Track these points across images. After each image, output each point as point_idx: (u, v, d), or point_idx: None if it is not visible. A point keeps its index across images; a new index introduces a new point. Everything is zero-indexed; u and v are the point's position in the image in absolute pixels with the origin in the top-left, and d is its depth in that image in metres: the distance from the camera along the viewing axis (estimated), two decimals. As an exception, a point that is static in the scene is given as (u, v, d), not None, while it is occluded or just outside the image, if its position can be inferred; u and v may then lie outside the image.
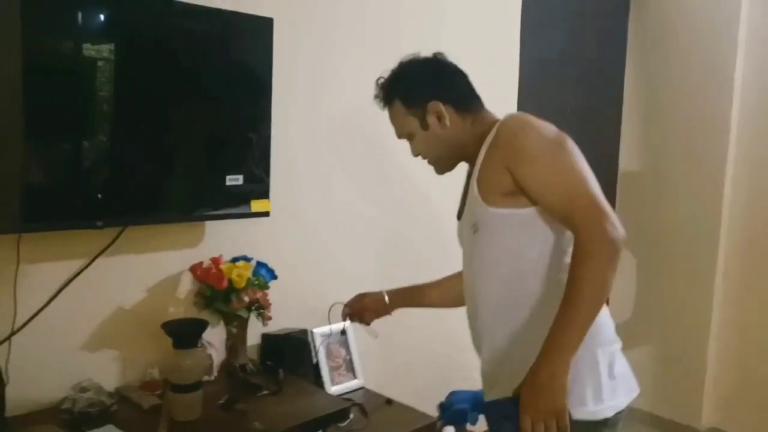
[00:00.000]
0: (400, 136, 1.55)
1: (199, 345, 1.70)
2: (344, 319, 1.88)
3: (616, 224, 1.26)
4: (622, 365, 1.44)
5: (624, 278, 3.65)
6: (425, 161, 1.54)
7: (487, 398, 1.49)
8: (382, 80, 1.53)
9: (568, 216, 1.30)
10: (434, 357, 2.65)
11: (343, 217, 2.36)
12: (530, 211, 1.36)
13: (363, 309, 1.84)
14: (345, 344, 2.29)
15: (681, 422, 3.44)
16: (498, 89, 2.86)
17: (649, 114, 3.54)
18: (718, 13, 3.23)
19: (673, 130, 3.43)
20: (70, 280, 1.72)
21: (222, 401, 1.74)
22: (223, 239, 2.02)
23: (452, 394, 2.59)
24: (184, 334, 1.65)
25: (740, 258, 3.28)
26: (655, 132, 3.52)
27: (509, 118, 1.43)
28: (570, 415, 1.27)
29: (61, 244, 1.70)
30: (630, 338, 3.53)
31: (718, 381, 3.36)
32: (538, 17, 3.05)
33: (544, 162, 1.32)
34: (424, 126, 1.48)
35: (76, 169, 1.65)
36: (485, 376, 1.51)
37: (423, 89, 1.47)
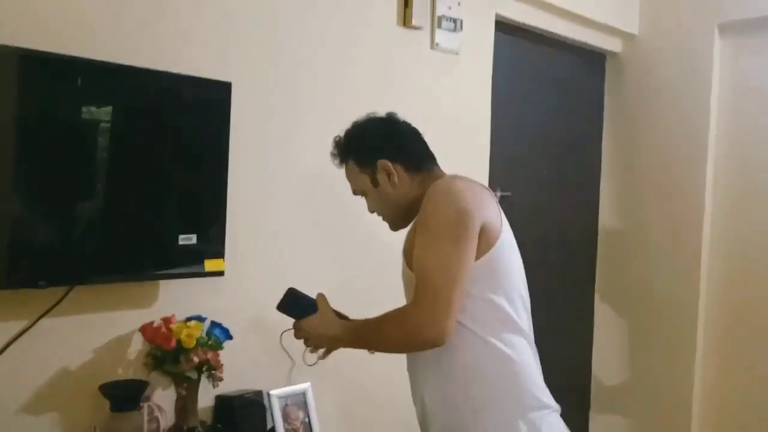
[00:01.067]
0: (355, 192, 1.61)
1: (137, 408, 1.65)
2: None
3: (434, 317, 1.33)
4: None
5: (611, 341, 3.61)
6: (380, 218, 1.59)
7: None
8: (338, 139, 1.60)
9: (416, 288, 1.37)
10: (399, 415, 2.57)
11: (302, 276, 2.33)
12: None
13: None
14: (304, 406, 2.24)
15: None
16: (470, 153, 2.91)
17: (626, 177, 3.58)
18: (691, 81, 3.30)
19: (650, 193, 3.48)
20: (9, 343, 1.69)
21: (163, 468, 1.69)
22: (179, 299, 1.99)
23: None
24: (122, 396, 1.62)
25: (720, 321, 3.27)
26: (633, 194, 3.55)
27: (434, 185, 1.45)
28: None
29: (4, 304, 1.68)
30: (617, 403, 3.53)
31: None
32: (513, 82, 3.10)
33: (426, 235, 1.38)
34: (375, 183, 1.53)
35: (18, 227, 1.64)
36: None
37: (374, 148, 1.53)
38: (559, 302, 3.46)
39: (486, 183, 2.99)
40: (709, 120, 3.24)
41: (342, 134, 1.60)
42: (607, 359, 3.64)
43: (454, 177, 1.50)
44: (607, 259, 3.65)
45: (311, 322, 1.53)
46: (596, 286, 3.68)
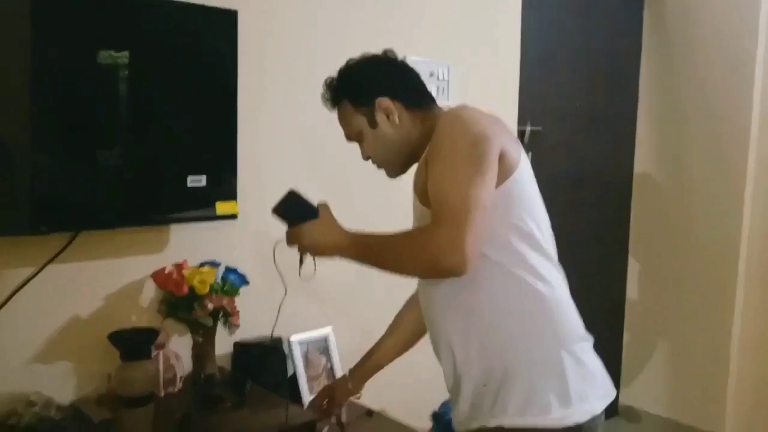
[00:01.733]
0: (349, 138, 1.47)
1: (148, 357, 1.59)
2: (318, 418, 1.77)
3: (459, 238, 1.16)
4: (593, 365, 1.35)
5: (642, 282, 3.48)
6: (375, 165, 1.46)
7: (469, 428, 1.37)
8: (330, 79, 1.46)
9: (433, 211, 1.23)
10: (422, 365, 2.51)
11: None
12: None
13: (331, 401, 1.76)
14: (326, 351, 2.18)
15: (704, 429, 3.25)
16: (498, 86, 2.74)
17: (665, 113, 3.35)
18: (737, 6, 3.04)
19: (691, 129, 3.24)
20: (16, 290, 1.63)
21: (179, 415, 1.64)
22: (191, 244, 1.92)
23: (445, 404, 2.47)
24: (132, 344, 1.55)
25: (762, 262, 3.09)
26: (672, 131, 3.33)
27: (447, 113, 1.34)
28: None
29: (11, 251, 1.62)
30: (650, 344, 3.42)
31: (740, 390, 3.17)
32: (543, 10, 2.89)
33: (442, 162, 1.25)
34: (373, 124, 1.40)
35: (21, 172, 1.56)
36: (456, 394, 1.40)
37: (371, 86, 1.40)
38: (590, 247, 3.33)
39: (515, 117, 2.84)
40: (756, 50, 2.98)
41: (334, 74, 1.47)
42: (641, 308, 3.51)
43: (465, 106, 1.37)
44: (642, 202, 3.47)
45: (310, 227, 1.32)
46: (630, 230, 3.52)
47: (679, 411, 3.36)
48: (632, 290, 3.55)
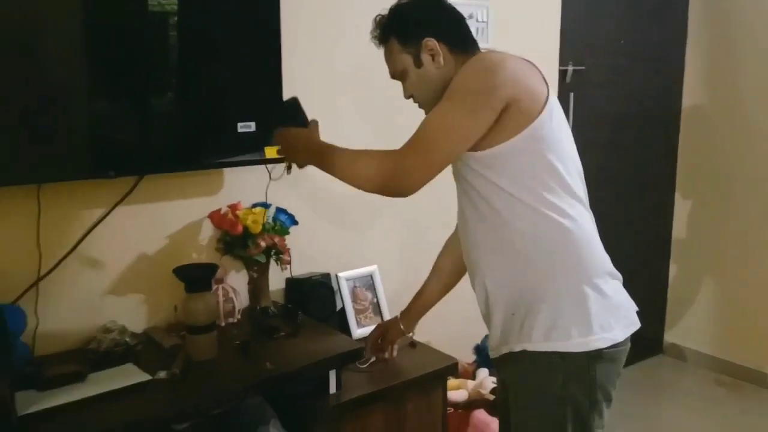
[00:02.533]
0: (393, 75, 1.54)
1: (210, 289, 1.74)
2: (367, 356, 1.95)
3: (413, 175, 1.32)
4: (617, 298, 1.42)
5: (693, 220, 3.47)
6: (416, 104, 1.52)
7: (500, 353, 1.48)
8: (380, 17, 1.52)
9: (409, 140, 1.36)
10: (465, 300, 2.62)
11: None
12: (487, 153, 1.34)
13: (384, 340, 1.91)
14: (372, 287, 2.30)
15: (748, 366, 3.29)
16: (539, 26, 2.73)
17: (716, 44, 3.27)
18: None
19: (743, 64, 3.17)
20: (91, 229, 1.80)
21: (239, 342, 1.80)
22: (245, 186, 2.05)
23: (487, 337, 2.58)
24: (195, 278, 1.70)
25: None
26: (723, 65, 3.25)
27: (471, 58, 1.41)
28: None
29: (82, 194, 1.77)
30: (696, 281, 3.44)
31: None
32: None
33: (444, 100, 1.36)
34: (418, 64, 1.46)
35: (90, 120, 1.70)
36: (488, 322, 1.51)
37: (419, 26, 1.46)
38: (635, 184, 3.33)
39: (556, 57, 2.83)
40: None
41: (384, 13, 1.53)
42: (687, 245, 3.51)
43: (491, 51, 1.44)
44: (690, 136, 3.43)
45: (293, 132, 1.51)
46: (677, 169, 3.50)
47: (725, 349, 3.39)
48: (679, 228, 3.55)
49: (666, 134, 3.44)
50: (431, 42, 1.44)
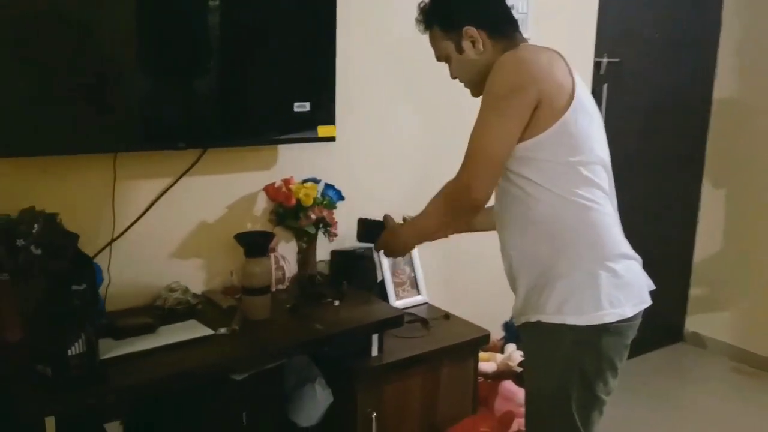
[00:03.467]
0: (438, 59, 1.65)
1: (266, 255, 1.89)
2: None
3: (472, 184, 1.46)
4: (630, 278, 1.51)
5: (715, 211, 3.56)
6: (461, 84, 1.64)
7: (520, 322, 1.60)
8: (423, 4, 1.63)
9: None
10: (496, 277, 2.74)
11: (406, 141, 2.47)
12: (519, 146, 1.45)
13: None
14: (410, 263, 2.45)
15: (766, 355, 3.38)
16: (576, 18, 2.83)
17: (748, 37, 3.33)
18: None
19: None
20: (159, 197, 1.96)
21: (289, 306, 1.96)
22: (296, 163, 2.20)
23: (515, 312, 2.71)
24: (253, 244, 1.85)
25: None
26: (754, 57, 3.31)
27: (506, 53, 1.50)
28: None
29: (152, 164, 1.93)
30: (718, 271, 3.53)
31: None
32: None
33: (481, 108, 1.49)
34: (459, 50, 1.57)
35: (162, 97, 1.86)
36: (514, 292, 1.63)
37: (460, 14, 1.56)
38: (664, 176, 3.42)
39: (592, 50, 2.92)
40: None
41: (428, 0, 1.63)
42: (712, 236, 3.59)
43: (523, 47, 1.52)
44: (719, 131, 3.50)
45: (383, 240, 1.70)
46: (706, 159, 3.58)
47: (745, 339, 3.47)
48: (705, 216, 3.62)
49: (696, 124, 3.51)
50: (471, 30, 1.54)
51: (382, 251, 1.75)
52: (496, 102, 1.45)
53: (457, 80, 1.64)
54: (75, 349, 1.42)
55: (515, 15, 2.53)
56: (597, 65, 2.96)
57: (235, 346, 1.72)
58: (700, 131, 3.53)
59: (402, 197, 2.46)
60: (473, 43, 1.55)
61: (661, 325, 3.51)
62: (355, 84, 2.27)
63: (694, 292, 3.71)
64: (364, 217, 1.77)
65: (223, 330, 1.77)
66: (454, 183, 1.51)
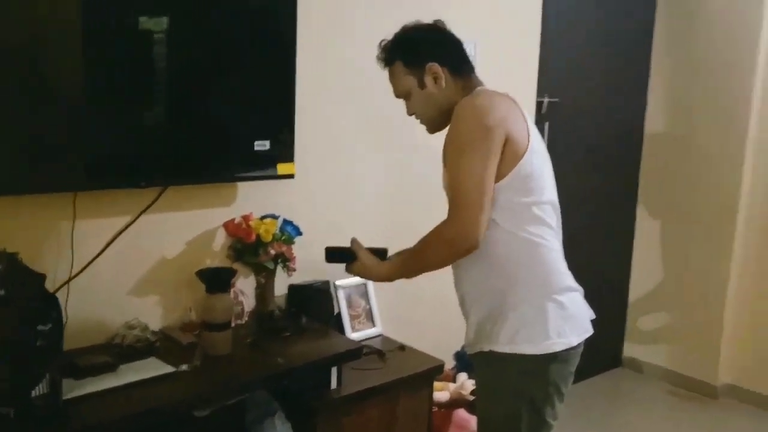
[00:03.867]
0: (398, 95, 1.70)
1: (227, 291, 1.92)
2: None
3: (467, 227, 1.49)
4: (574, 310, 1.62)
5: (648, 242, 3.76)
6: (418, 121, 1.70)
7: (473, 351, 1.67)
8: (385, 42, 1.69)
9: (449, 200, 1.55)
10: (447, 309, 2.83)
11: (362, 178, 2.55)
12: None
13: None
14: (365, 296, 2.51)
15: (699, 378, 3.57)
16: (519, 62, 3.00)
17: (675, 80, 3.58)
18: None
19: (698, 96, 3.48)
20: (118, 234, 1.97)
21: (249, 340, 1.98)
22: (255, 199, 2.23)
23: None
24: (215, 280, 1.88)
25: (760, 221, 3.36)
26: (681, 97, 3.57)
27: (462, 101, 1.57)
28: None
29: (112, 202, 1.94)
30: (653, 301, 3.72)
31: (733, 341, 3.48)
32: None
33: (452, 152, 1.54)
34: (422, 85, 1.63)
35: (123, 137, 1.88)
36: (467, 322, 1.70)
37: (424, 51, 1.63)
38: (603, 206, 3.61)
39: (534, 90, 3.09)
40: (761, 24, 3.21)
41: (389, 38, 1.69)
42: (646, 265, 3.79)
43: (480, 92, 1.61)
44: (651, 163, 3.73)
45: (357, 267, 1.71)
46: (639, 191, 3.80)
47: (680, 363, 3.66)
48: (639, 249, 3.82)
49: (631, 158, 3.74)
50: (435, 66, 1.60)
51: (357, 275, 1.76)
52: (474, 144, 1.49)
53: (413, 117, 1.70)
54: (39, 390, 1.42)
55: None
56: (539, 105, 3.13)
57: (197, 383, 1.74)
58: (634, 165, 3.76)
59: (360, 232, 2.52)
60: (435, 79, 1.62)
61: (601, 352, 3.67)
62: (314, 122, 2.34)
63: (631, 319, 3.89)
64: (330, 245, 1.76)
65: (184, 367, 1.78)
66: (451, 228, 1.52)
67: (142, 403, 1.61)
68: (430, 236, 1.58)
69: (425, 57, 1.62)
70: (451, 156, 1.55)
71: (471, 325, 1.66)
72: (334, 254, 1.75)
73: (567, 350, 1.58)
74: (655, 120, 3.69)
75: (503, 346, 1.57)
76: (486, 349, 1.60)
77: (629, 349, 3.90)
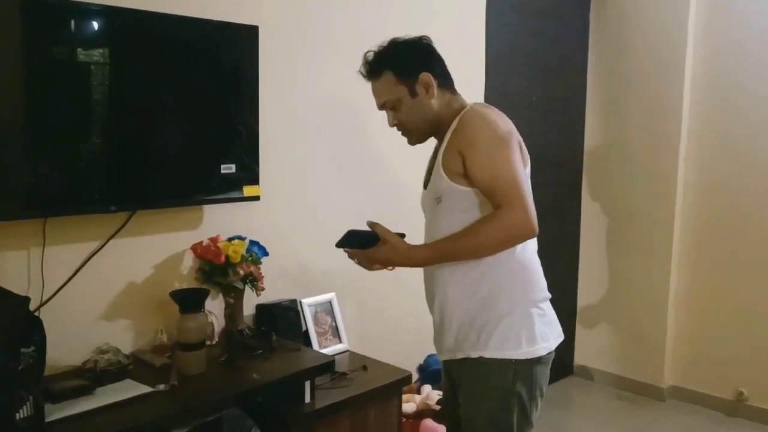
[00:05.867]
0: (383, 106, 1.72)
1: (201, 311, 1.96)
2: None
3: (530, 213, 1.54)
4: (551, 316, 1.74)
5: (596, 253, 3.96)
6: (399, 132, 1.75)
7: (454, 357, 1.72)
8: (372, 54, 1.71)
9: (492, 192, 1.57)
10: (412, 323, 2.92)
11: (326, 198, 2.63)
12: (474, 190, 1.61)
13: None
14: (331, 312, 2.57)
15: (646, 382, 3.76)
16: (467, 81, 3.14)
17: (609, 98, 3.82)
18: (670, 4, 3.53)
19: (631, 113, 3.73)
20: (88, 259, 1.98)
21: (223, 359, 2.02)
22: (221, 221, 2.28)
23: (429, 357, 2.90)
24: (189, 300, 1.92)
25: (693, 233, 3.60)
26: (615, 114, 3.81)
27: (470, 110, 1.66)
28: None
29: (81, 228, 1.96)
30: (600, 310, 3.91)
31: (676, 344, 3.69)
32: (503, 17, 3.32)
33: (484, 151, 1.59)
34: (413, 94, 1.68)
35: (93, 162, 1.91)
36: (440, 330, 1.75)
37: (416, 61, 1.69)
38: (550, 220, 3.76)
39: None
40: (686, 41, 3.48)
41: (375, 50, 1.70)
42: (592, 277, 3.99)
43: (480, 105, 1.69)
44: (591, 179, 3.95)
45: (386, 251, 1.63)
46: (582, 203, 4.01)
47: (625, 367, 3.84)
48: (583, 262, 4.03)
49: (573, 176, 3.95)
50: (427, 76, 1.66)
51: (371, 264, 1.68)
52: (502, 142, 1.58)
53: (395, 128, 1.74)
54: (23, 413, 1.43)
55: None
56: (487, 126, 3.28)
57: (174, 401, 1.77)
58: (577, 179, 3.97)
59: (327, 252, 2.60)
60: (427, 89, 1.67)
61: (553, 361, 3.80)
62: (279, 144, 2.42)
63: (580, 327, 4.07)
64: (354, 228, 1.66)
65: (161, 386, 1.81)
66: (513, 215, 1.53)
67: (122, 423, 1.63)
68: (486, 224, 1.56)
69: (418, 67, 1.66)
70: (480, 156, 1.57)
71: (449, 332, 1.70)
72: (353, 238, 1.64)
73: (549, 354, 1.69)
74: (592, 137, 3.92)
75: (493, 352, 1.64)
76: (474, 355, 1.65)
77: (579, 357, 4.07)
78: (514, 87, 3.47)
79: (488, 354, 1.65)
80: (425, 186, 1.80)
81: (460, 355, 1.70)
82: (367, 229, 1.66)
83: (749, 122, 3.37)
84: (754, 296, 3.39)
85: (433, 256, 1.64)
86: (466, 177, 1.61)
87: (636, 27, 3.67)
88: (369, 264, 1.69)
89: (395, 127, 1.75)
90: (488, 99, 3.25)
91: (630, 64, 3.71)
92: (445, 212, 1.67)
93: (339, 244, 1.66)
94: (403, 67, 1.68)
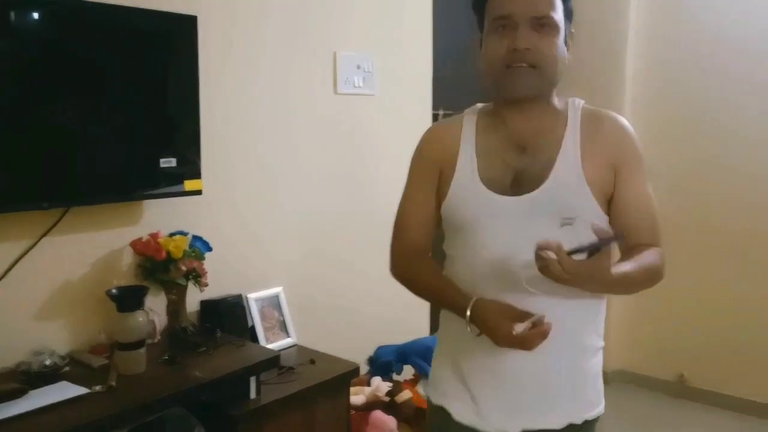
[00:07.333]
0: (537, 17, 1.30)
1: (140, 308, 1.91)
2: None
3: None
4: None
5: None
6: (517, 63, 1.33)
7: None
8: None
9: (647, 229, 1.34)
10: (361, 316, 2.93)
11: (270, 192, 2.59)
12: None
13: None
14: (278, 307, 2.54)
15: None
16: (414, 76, 3.15)
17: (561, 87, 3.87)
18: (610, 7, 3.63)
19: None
20: (19, 258, 1.91)
21: (165, 357, 1.97)
22: (162, 217, 2.22)
23: (379, 348, 2.90)
24: (127, 298, 1.87)
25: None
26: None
27: (614, 114, 1.39)
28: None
29: (11, 225, 1.88)
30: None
31: (619, 330, 3.77)
32: (452, 4, 3.33)
33: (645, 174, 1.36)
34: (564, 39, 1.36)
35: (23, 158, 1.83)
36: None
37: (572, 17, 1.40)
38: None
39: (429, 102, 3.25)
40: (625, 45, 3.58)
41: None
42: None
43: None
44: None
45: (603, 265, 1.17)
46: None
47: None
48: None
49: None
50: (572, 35, 1.39)
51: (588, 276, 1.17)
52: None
53: (524, 51, 1.31)
54: (-52, 420, 1.37)
55: (363, 73, 2.84)
56: (435, 117, 3.29)
57: (112, 402, 1.72)
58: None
59: (277, 246, 2.58)
60: (568, 46, 1.38)
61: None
62: (222, 137, 2.37)
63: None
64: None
65: (98, 387, 1.76)
66: (662, 255, 1.34)
67: (58, 425, 1.57)
68: (660, 261, 1.33)
69: (570, 25, 1.39)
70: (639, 179, 1.35)
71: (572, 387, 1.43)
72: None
73: None
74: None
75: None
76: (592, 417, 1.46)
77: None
78: (464, 80, 3.45)
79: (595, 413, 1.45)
80: (514, 188, 1.34)
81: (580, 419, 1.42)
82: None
83: (688, 115, 3.48)
84: (694, 284, 3.50)
85: (609, 284, 1.24)
86: (606, 199, 1.33)
87: (578, 19, 3.73)
88: (563, 274, 1.14)
89: (522, 55, 1.30)
90: (436, 88, 3.26)
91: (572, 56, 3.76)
92: (571, 237, 1.22)
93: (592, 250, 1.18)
94: (571, 8, 1.39)
